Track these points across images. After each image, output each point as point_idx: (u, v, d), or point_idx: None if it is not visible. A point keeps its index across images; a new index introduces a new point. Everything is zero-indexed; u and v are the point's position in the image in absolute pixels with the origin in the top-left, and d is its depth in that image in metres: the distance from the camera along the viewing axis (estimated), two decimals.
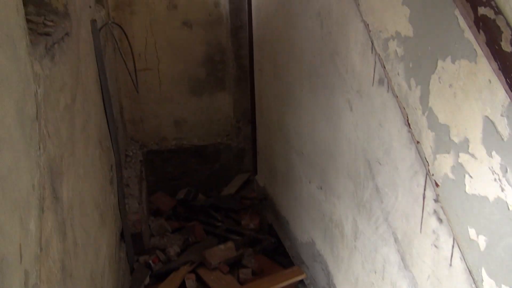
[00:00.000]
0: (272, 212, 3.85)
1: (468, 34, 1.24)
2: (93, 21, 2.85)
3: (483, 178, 1.27)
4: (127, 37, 3.25)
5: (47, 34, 1.65)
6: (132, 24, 4.69)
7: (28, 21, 1.82)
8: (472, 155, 1.30)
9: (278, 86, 3.29)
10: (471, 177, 1.32)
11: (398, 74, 1.63)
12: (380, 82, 1.79)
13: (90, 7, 2.88)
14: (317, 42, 2.39)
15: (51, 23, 1.86)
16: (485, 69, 1.20)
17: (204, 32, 4.93)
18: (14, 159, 1.10)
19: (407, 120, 1.61)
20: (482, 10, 1.08)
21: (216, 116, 5.33)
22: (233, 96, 5.11)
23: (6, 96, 1.07)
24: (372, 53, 1.83)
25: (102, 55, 2.92)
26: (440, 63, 1.40)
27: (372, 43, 1.81)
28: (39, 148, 1.34)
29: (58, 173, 1.56)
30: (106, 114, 2.99)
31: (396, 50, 1.64)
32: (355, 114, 2.06)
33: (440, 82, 1.41)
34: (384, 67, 1.73)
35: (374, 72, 1.83)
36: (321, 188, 2.62)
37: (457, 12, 1.27)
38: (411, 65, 1.56)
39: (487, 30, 1.08)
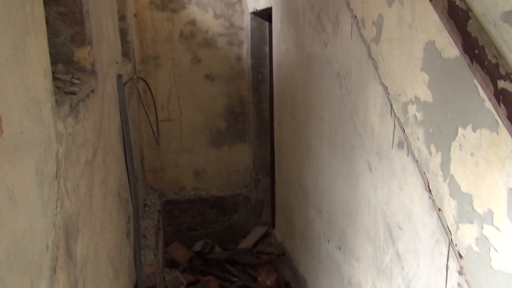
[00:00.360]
0: (290, 269, 3.74)
1: (489, 104, 1.22)
2: (119, 76, 2.95)
3: (509, 253, 1.20)
4: (150, 91, 3.35)
5: (72, 93, 1.70)
6: (157, 77, 4.85)
7: (56, 79, 1.90)
8: (497, 228, 1.24)
9: (298, 141, 3.30)
10: (496, 251, 1.25)
11: (418, 138, 1.61)
12: (400, 145, 1.77)
13: (117, 62, 3.00)
14: (337, 101, 2.41)
15: (77, 81, 1.93)
16: (507, 140, 1.17)
17: (226, 85, 5.05)
18: (30, 221, 1.10)
19: (428, 186, 1.58)
20: (502, 84, 1.07)
21: (235, 167, 5.35)
22: (253, 148, 5.14)
23: (27, 158, 1.09)
24: (391, 115, 1.82)
25: (126, 108, 3.00)
26: (460, 130, 1.37)
27: (391, 106, 1.80)
28: (56, 207, 1.35)
29: (73, 231, 1.56)
30: (126, 166, 3.03)
31: (415, 115, 1.63)
32: (374, 175, 2.02)
33: (461, 150, 1.38)
34: (404, 131, 1.71)
35: (393, 134, 1.82)
36: (340, 249, 2.54)
37: (476, 82, 1.26)
38: (431, 131, 1.54)
39: (508, 104, 1.06)
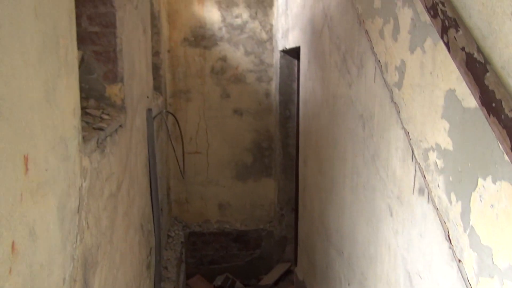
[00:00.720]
0: None
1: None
2: (149, 110, 3.05)
3: None
4: (178, 125, 3.44)
5: (101, 128, 1.78)
6: (187, 110, 4.97)
7: (87, 113, 1.99)
8: None
9: (321, 179, 3.29)
10: None
11: (438, 186, 1.59)
12: (421, 191, 1.75)
13: (147, 97, 3.11)
14: (359, 142, 2.40)
15: (107, 117, 2.02)
16: None
17: (254, 120, 5.12)
18: (48, 255, 1.14)
19: (448, 235, 1.54)
20: None
21: (260, 202, 5.34)
22: (278, 183, 5.14)
23: (49, 194, 1.14)
24: (412, 161, 1.80)
25: (154, 141, 3.09)
26: (480, 181, 1.35)
27: (413, 151, 1.79)
28: (76, 241, 1.39)
29: (92, 263, 1.60)
30: (151, 198, 3.09)
31: (436, 162, 1.61)
32: (395, 220, 1.99)
33: (481, 201, 1.35)
34: (425, 177, 1.69)
35: (414, 180, 1.79)
36: None
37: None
38: (451, 179, 1.51)
39: None
